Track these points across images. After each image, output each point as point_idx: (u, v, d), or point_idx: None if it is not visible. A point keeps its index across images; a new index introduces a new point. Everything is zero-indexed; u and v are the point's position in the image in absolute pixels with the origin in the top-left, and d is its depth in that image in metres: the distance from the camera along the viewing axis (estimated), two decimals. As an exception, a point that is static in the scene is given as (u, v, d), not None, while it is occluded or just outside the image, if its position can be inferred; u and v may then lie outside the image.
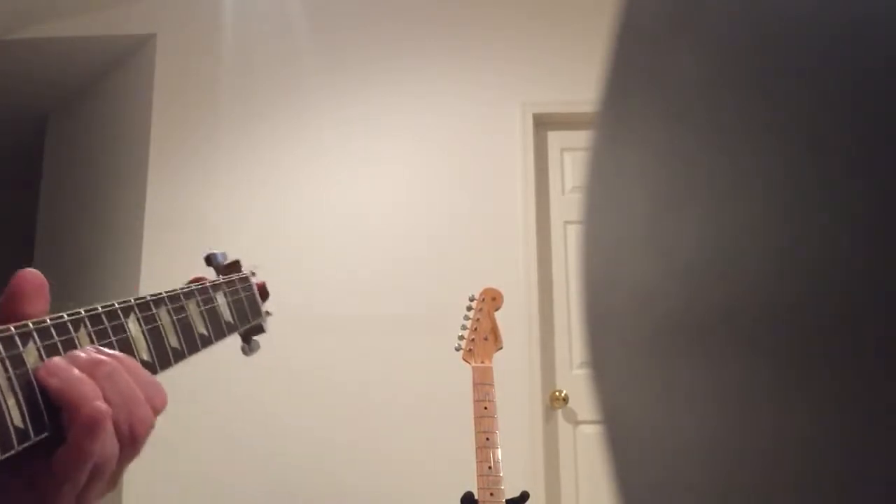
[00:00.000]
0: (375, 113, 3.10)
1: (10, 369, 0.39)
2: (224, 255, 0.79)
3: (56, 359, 0.42)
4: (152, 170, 3.07)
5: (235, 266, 0.77)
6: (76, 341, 0.45)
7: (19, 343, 0.41)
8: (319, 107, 3.12)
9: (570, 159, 3.07)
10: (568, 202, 3.02)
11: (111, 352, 0.45)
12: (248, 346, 0.78)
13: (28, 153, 4.11)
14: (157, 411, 0.46)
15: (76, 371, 0.42)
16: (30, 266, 0.45)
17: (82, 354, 0.43)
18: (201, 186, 3.07)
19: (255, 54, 3.18)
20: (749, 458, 0.12)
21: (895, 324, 0.10)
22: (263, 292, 0.79)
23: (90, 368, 0.42)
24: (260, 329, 0.78)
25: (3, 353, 0.39)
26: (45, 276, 0.45)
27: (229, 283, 0.70)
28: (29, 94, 3.76)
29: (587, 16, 3.06)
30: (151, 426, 0.46)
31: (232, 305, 0.69)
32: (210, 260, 0.78)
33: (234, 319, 0.68)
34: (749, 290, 0.12)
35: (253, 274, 0.78)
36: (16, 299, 0.44)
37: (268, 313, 0.80)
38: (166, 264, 2.96)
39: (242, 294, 0.72)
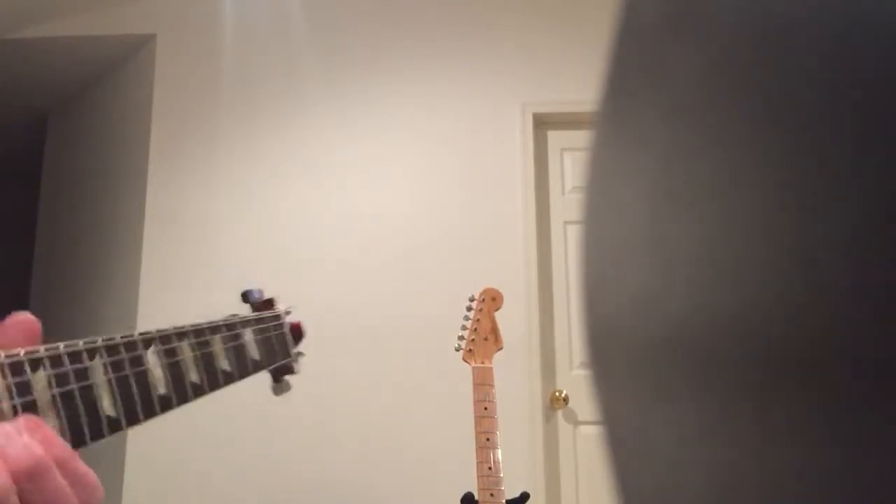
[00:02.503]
0: (375, 113, 3.10)
1: (15, 397, 0.38)
2: (261, 291, 0.77)
3: None
4: (152, 170, 3.07)
5: (270, 303, 0.76)
6: (89, 372, 0.43)
7: (28, 370, 0.39)
8: (319, 107, 3.12)
9: (570, 159, 3.07)
10: (568, 202, 3.03)
11: (49, 437, 0.38)
12: (278, 385, 0.77)
13: (28, 153, 4.11)
14: None
15: None
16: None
17: (11, 444, 0.36)
18: (201, 186, 3.07)
19: (255, 54, 3.18)
20: (744, 465, 0.12)
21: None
22: (298, 332, 0.77)
23: (14, 460, 0.35)
24: (290, 369, 0.77)
25: (10, 379, 0.38)
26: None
27: (259, 320, 0.68)
28: (29, 94, 3.76)
29: (587, 16, 3.06)
30: None
31: (260, 343, 0.67)
32: (246, 296, 0.77)
33: (261, 357, 0.66)
34: (747, 294, 0.12)
35: (288, 313, 0.76)
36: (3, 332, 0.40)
37: (300, 354, 0.78)
38: (166, 264, 2.97)
39: (272, 332, 0.70)
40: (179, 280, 2.93)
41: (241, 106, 3.13)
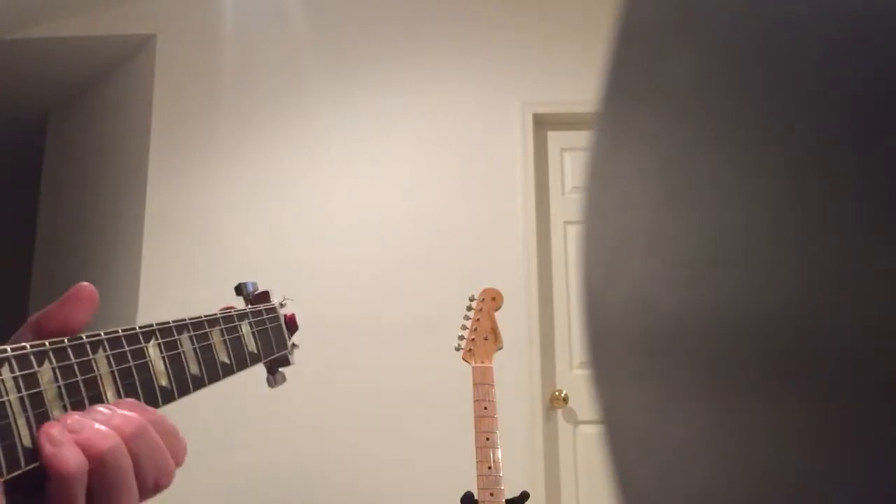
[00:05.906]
0: (375, 113, 3.10)
1: (23, 389, 0.39)
2: (255, 284, 0.78)
3: (78, 418, 0.41)
4: (152, 170, 3.07)
5: (265, 296, 0.77)
6: (93, 364, 0.45)
7: (34, 362, 0.40)
8: (319, 107, 3.12)
9: (570, 159, 3.07)
10: (568, 202, 3.03)
11: (138, 405, 0.46)
12: (273, 377, 0.78)
13: (28, 153, 4.11)
14: (178, 463, 0.47)
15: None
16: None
17: (115, 414, 0.43)
18: (201, 186, 3.07)
19: (255, 54, 3.18)
20: (745, 464, 0.12)
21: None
22: (292, 324, 0.78)
23: (120, 428, 0.43)
24: (286, 361, 0.78)
25: (17, 372, 0.39)
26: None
27: (255, 312, 0.70)
28: (29, 94, 3.75)
29: (587, 16, 3.06)
30: (173, 476, 0.47)
31: (257, 336, 0.68)
32: (240, 289, 0.78)
33: (258, 350, 0.68)
34: (748, 292, 0.12)
35: (282, 305, 0.77)
36: (68, 305, 0.45)
37: (294, 346, 0.79)
38: (166, 264, 2.97)
39: (269, 325, 0.72)
40: (179, 280, 2.93)
41: (241, 106, 3.13)
